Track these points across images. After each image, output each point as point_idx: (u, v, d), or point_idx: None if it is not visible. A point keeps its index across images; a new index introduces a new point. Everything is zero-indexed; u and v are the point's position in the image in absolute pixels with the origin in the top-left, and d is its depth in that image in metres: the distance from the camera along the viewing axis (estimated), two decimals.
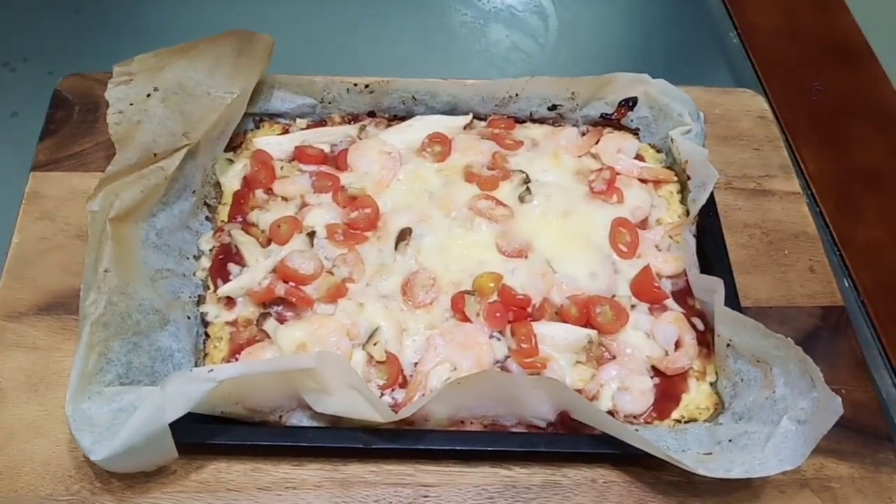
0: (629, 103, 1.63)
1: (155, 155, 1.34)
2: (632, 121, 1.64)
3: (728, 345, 1.29)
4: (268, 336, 1.32)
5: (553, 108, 1.64)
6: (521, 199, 1.50)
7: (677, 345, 1.36)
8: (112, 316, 1.21)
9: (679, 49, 1.89)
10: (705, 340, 1.38)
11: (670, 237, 1.49)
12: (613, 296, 1.40)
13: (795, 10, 1.94)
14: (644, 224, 1.51)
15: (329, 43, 1.82)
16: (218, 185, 1.50)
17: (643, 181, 1.57)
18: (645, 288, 1.40)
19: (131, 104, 1.39)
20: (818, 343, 1.43)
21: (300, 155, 1.54)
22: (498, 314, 1.35)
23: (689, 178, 1.52)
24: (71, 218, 1.45)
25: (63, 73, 1.69)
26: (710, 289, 1.32)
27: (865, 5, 1.97)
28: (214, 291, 1.37)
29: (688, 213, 1.53)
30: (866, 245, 1.64)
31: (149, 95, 1.40)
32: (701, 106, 1.61)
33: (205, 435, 1.20)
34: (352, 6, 1.88)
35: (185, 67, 1.45)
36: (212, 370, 1.13)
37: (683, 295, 1.42)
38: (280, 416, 1.24)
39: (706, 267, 1.41)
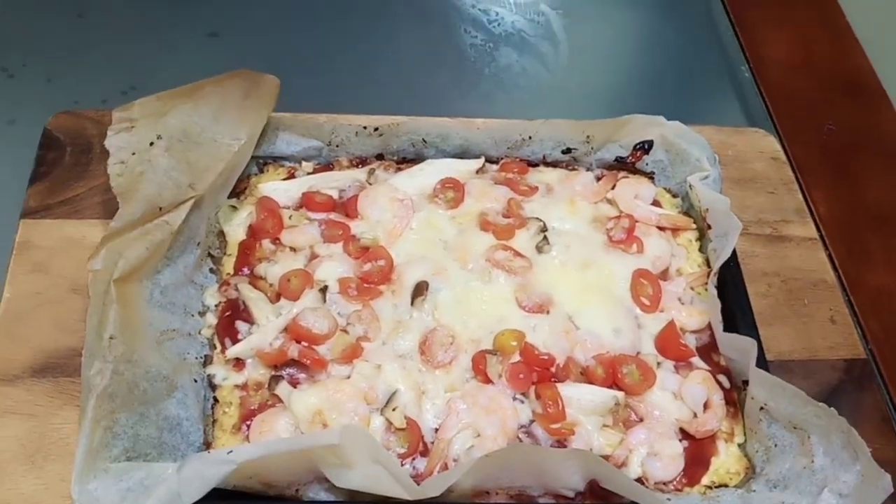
0: (645, 147, 1.58)
1: (160, 209, 1.27)
2: (647, 164, 1.60)
3: (762, 408, 1.25)
4: (280, 401, 1.26)
5: (567, 151, 1.59)
6: (539, 249, 1.45)
7: (705, 406, 1.32)
8: (118, 386, 1.14)
9: (690, 79, 1.86)
10: (732, 399, 1.34)
11: (692, 289, 1.45)
12: (638, 353, 1.36)
13: (808, 46, 1.92)
14: (665, 275, 1.47)
15: (338, 64, 1.76)
16: (222, 234, 1.43)
17: (661, 229, 1.53)
18: (670, 345, 1.36)
19: (133, 153, 1.31)
20: (842, 398, 1.41)
21: (308, 202, 1.47)
22: (521, 375, 1.29)
23: (709, 227, 1.48)
24: (65, 270, 1.37)
25: (62, 80, 1.64)
26: (741, 349, 1.28)
27: (877, 42, 1.95)
28: (222, 351, 1.30)
29: (707, 261, 1.50)
30: (875, 290, 1.62)
31: (152, 144, 1.32)
32: (714, 146, 1.57)
33: None
34: (362, 26, 1.83)
35: (189, 112, 1.37)
36: (231, 451, 1.06)
37: (708, 350, 1.38)
38: (297, 490, 1.17)
39: (729, 319, 1.37)
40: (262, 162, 1.53)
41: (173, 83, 1.42)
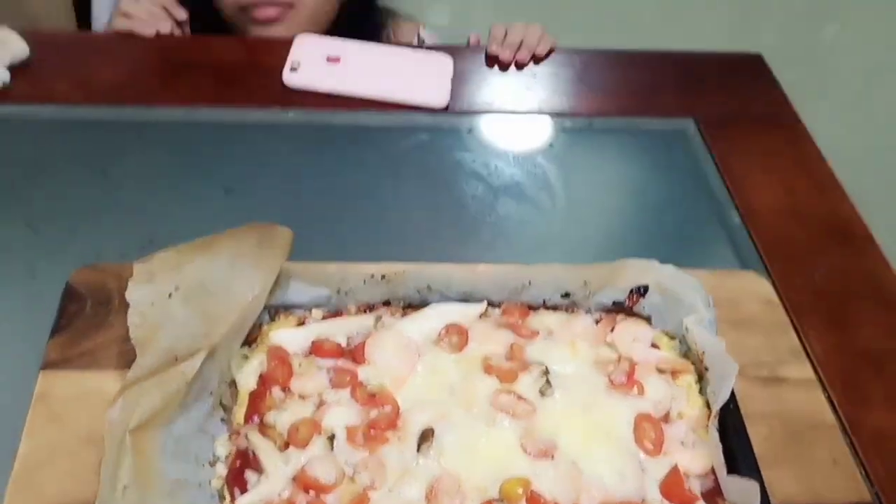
0: (640, 290, 1.65)
1: (176, 358, 1.32)
2: (644, 308, 1.66)
3: None
4: None
5: (566, 295, 1.65)
6: (542, 393, 1.49)
7: None
8: None
9: (682, 225, 1.95)
10: None
11: (693, 431, 1.48)
12: (643, 500, 1.37)
13: (793, 193, 2.02)
14: (666, 417, 1.50)
15: (347, 216, 1.85)
16: (233, 383, 1.47)
17: (661, 371, 1.57)
18: (675, 490, 1.37)
19: (152, 304, 1.38)
20: None
21: (317, 349, 1.52)
22: None
23: (706, 369, 1.53)
24: (82, 421, 1.40)
25: (83, 234, 1.73)
26: (744, 491, 1.30)
27: (862, 190, 2.05)
28: (231, 502, 1.31)
29: (708, 404, 1.53)
30: (875, 432, 1.63)
31: (170, 295, 1.39)
32: (708, 289, 1.63)
33: None
34: (369, 181, 1.93)
35: (206, 264, 1.45)
36: None
37: (713, 495, 1.39)
38: None
39: (731, 462, 1.39)
40: (273, 310, 1.59)
41: (190, 236, 1.51)
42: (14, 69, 2.09)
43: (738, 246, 1.92)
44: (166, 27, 2.26)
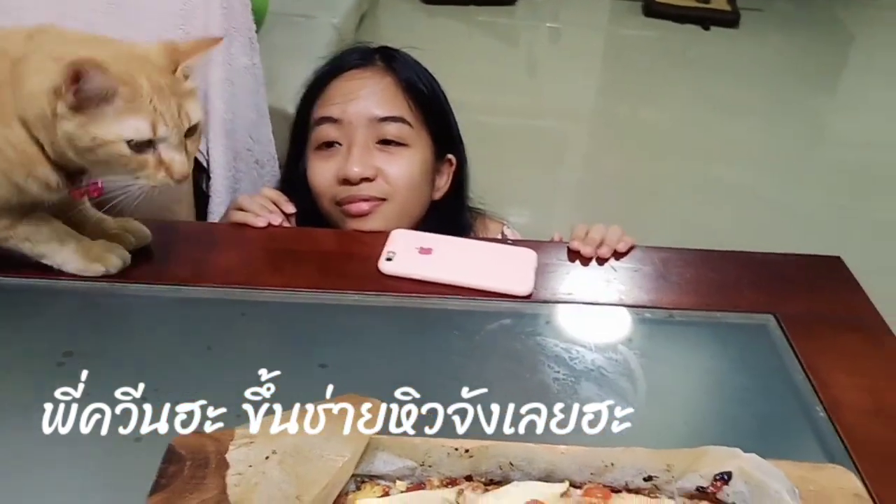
0: (724, 477, 1.64)
1: None
2: (728, 495, 1.64)
3: None
4: None
5: (648, 478, 1.66)
6: None
7: None
8: None
9: (766, 419, 1.95)
10: None
11: None
12: None
13: (880, 394, 2.00)
14: None
15: (429, 392, 1.90)
16: None
17: None
18: None
19: (250, 466, 1.46)
20: None
21: None
22: None
23: None
24: None
25: (186, 404, 1.81)
26: None
27: None
28: None
29: None
30: None
31: (267, 458, 1.48)
32: (793, 481, 1.62)
33: None
34: (457, 361, 2.03)
35: (302, 431, 1.54)
36: None
37: None
38: None
39: None
40: (359, 480, 1.63)
41: (287, 406, 1.60)
42: (135, 253, 2.30)
43: (823, 440, 1.90)
44: (276, 220, 2.49)
